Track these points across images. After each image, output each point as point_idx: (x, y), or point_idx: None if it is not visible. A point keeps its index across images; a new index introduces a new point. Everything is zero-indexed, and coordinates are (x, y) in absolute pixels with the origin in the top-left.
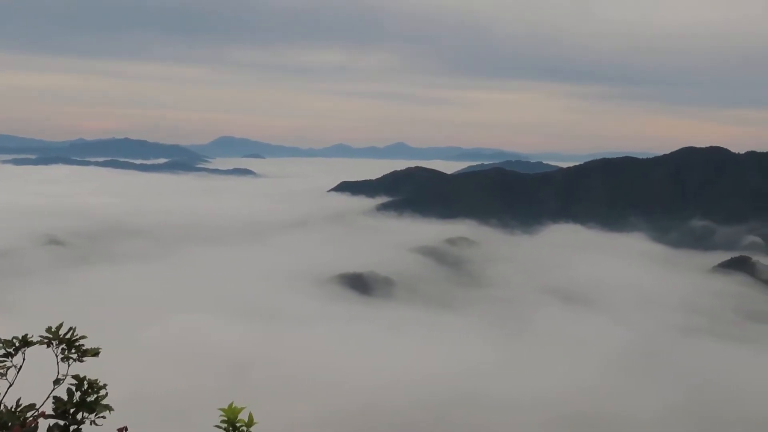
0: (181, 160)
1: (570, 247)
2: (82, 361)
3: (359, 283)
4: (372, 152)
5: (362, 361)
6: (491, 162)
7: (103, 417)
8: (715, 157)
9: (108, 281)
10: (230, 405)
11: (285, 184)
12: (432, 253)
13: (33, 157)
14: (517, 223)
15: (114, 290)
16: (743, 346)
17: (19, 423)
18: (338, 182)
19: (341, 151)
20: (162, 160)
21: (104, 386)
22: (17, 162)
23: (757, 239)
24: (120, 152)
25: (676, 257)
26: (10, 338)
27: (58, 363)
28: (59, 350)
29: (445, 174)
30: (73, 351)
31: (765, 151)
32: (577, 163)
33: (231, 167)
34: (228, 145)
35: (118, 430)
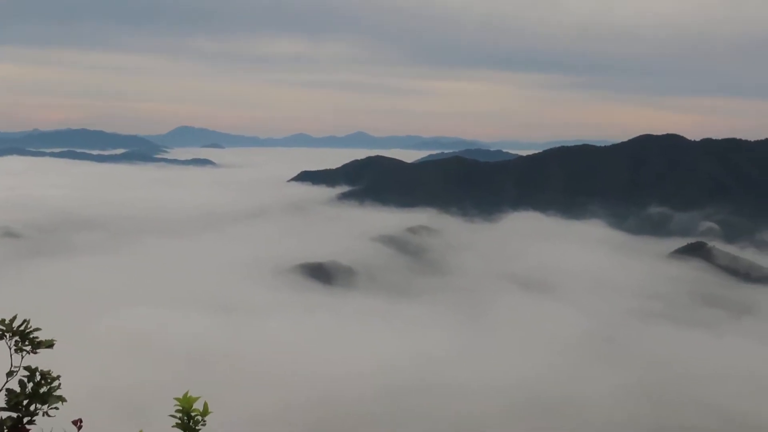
0: (140, 150)
1: (529, 235)
2: (36, 353)
3: (320, 273)
4: (332, 141)
5: (323, 350)
6: (451, 150)
7: (56, 408)
8: (672, 144)
9: (64, 274)
10: (185, 394)
11: (245, 174)
12: (393, 241)
13: None
14: (477, 212)
15: (70, 283)
16: (699, 330)
17: None
18: (298, 172)
19: (301, 140)
20: (120, 151)
21: (57, 377)
22: None
23: (713, 225)
24: (77, 143)
25: (633, 243)
26: None
27: (11, 355)
28: (12, 342)
29: (405, 163)
30: (26, 343)
31: (720, 138)
32: (536, 152)
33: (190, 157)
34: (187, 135)
35: (72, 422)
